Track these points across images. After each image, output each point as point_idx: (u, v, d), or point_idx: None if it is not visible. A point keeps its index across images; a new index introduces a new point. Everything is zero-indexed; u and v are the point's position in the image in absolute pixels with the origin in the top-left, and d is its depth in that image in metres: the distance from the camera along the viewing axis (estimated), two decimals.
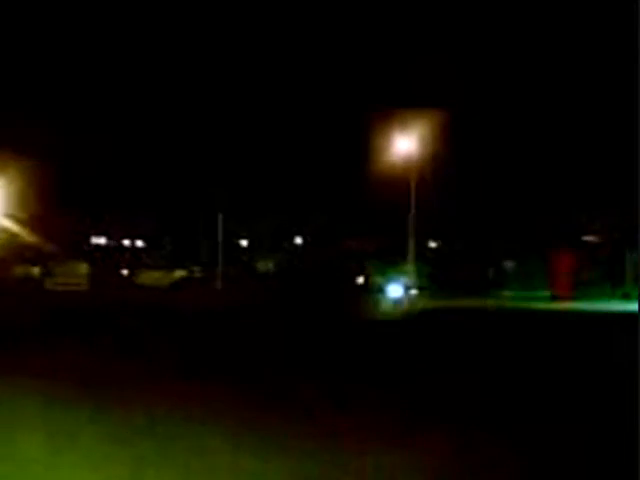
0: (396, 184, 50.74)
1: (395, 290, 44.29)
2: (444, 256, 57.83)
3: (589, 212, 55.03)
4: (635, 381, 11.01)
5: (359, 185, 56.83)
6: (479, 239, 57.52)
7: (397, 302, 40.44)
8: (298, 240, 70.76)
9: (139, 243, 75.45)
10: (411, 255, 48.81)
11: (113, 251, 71.98)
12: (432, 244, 62.44)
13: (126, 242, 74.97)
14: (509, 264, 57.13)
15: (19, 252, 65.56)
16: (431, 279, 50.36)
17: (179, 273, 64.38)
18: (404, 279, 45.85)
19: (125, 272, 68.31)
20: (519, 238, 56.97)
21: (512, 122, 54.62)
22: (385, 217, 58.48)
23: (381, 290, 44.64)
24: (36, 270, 62.65)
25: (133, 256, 73.18)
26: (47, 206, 59.38)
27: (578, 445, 8.63)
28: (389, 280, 45.10)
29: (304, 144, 60.04)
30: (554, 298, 47.71)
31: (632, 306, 39.30)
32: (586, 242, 56.51)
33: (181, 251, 67.27)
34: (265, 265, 69.53)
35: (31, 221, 61.06)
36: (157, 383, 12.26)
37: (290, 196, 62.87)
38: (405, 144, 48.91)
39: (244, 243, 71.68)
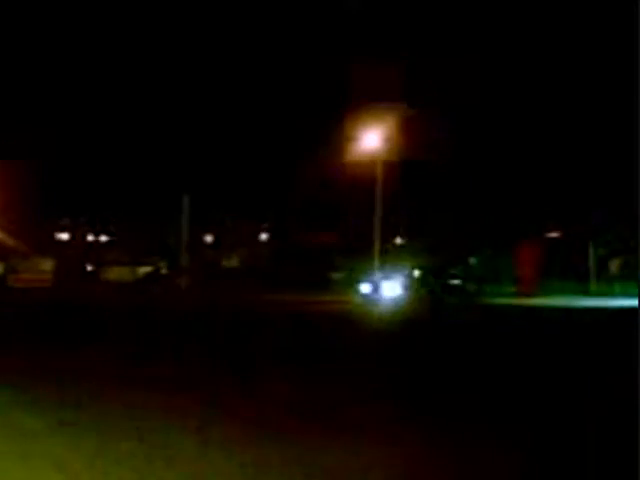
0: (363, 180, 50.90)
1: (391, 289, 43.82)
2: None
3: (552, 207, 55.18)
4: (635, 383, 10.87)
5: (325, 180, 56.75)
6: (444, 235, 57.65)
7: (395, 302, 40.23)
8: (263, 236, 70.74)
9: (103, 238, 74.84)
10: (376, 252, 49.01)
11: (78, 246, 71.30)
12: (398, 240, 62.52)
13: (90, 237, 74.36)
14: (473, 260, 57.50)
15: None
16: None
17: (145, 269, 64.07)
18: (401, 277, 45.62)
19: (90, 268, 67.83)
20: (484, 234, 57.17)
21: (476, 116, 54.43)
22: (352, 213, 58.53)
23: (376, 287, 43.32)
24: None
25: (98, 251, 72.58)
26: (9, 201, 58.58)
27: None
28: (385, 278, 44.50)
29: (270, 138, 59.70)
30: (519, 294, 48.17)
31: (594, 302, 39.79)
32: (549, 238, 56.87)
33: (146, 247, 66.77)
34: (230, 261, 69.45)
35: None
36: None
37: (255, 192, 62.58)
38: (372, 138, 49.24)
39: (209, 239, 71.39)
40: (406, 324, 26.67)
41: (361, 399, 10.79)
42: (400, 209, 56.76)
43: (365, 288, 42.60)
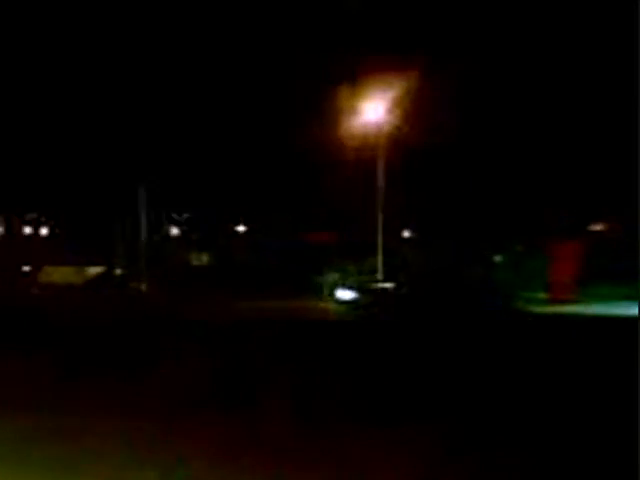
0: (360, 163, 51.14)
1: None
2: (422, 250, 58.25)
3: (596, 195, 55.50)
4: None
5: (314, 165, 56.95)
6: (463, 230, 57.88)
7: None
8: (241, 228, 70.57)
9: (44, 231, 74.68)
10: (380, 248, 49.27)
11: (11, 242, 71.44)
12: (406, 234, 62.76)
13: (27, 230, 74.24)
14: (498, 258, 57.62)
15: None
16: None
17: (95, 270, 63.91)
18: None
19: (27, 268, 67.57)
20: (512, 229, 57.43)
21: (503, 89, 54.93)
22: (347, 205, 58.61)
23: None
24: None
25: (37, 248, 72.37)
26: None
27: None
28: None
29: (246, 113, 59.78)
30: (553, 301, 48.44)
31: None
32: (592, 232, 57.10)
33: (97, 242, 66.74)
34: (199, 258, 69.50)
35: None
36: None
37: (228, 178, 62.53)
38: (371, 114, 49.54)
39: (175, 232, 71.39)
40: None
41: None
42: (408, 198, 56.87)
43: (344, 294, 42.89)
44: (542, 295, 50.25)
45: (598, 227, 57.94)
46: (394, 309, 38.22)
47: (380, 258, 49.15)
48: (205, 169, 62.71)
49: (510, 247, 57.64)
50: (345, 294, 42.35)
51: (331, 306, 42.50)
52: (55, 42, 60.53)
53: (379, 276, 47.65)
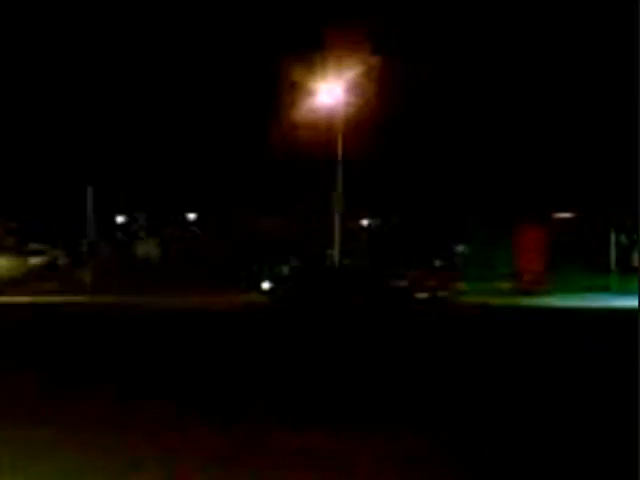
0: (318, 146, 49.59)
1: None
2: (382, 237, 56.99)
3: (561, 183, 54.65)
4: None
5: (270, 147, 55.48)
6: (422, 215, 56.77)
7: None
8: (191, 216, 68.38)
9: None
10: (337, 236, 47.69)
11: None
12: (364, 222, 61.43)
13: None
14: (461, 248, 56.58)
15: None
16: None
17: (36, 259, 61.91)
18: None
19: None
20: (473, 215, 56.30)
21: (469, 67, 54.10)
22: (304, 189, 57.25)
23: None
24: None
25: None
26: None
27: None
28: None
29: (197, 92, 58.66)
30: (521, 291, 47.15)
31: (617, 302, 38.73)
32: (560, 219, 56.02)
33: (38, 229, 64.45)
34: (146, 249, 66.95)
35: None
36: None
37: (179, 159, 60.96)
38: (330, 93, 47.75)
39: (120, 219, 68.83)
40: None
41: None
42: (367, 182, 55.37)
43: (265, 285, 42.21)
44: (508, 285, 49.17)
45: (564, 215, 56.71)
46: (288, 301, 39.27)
47: (337, 246, 47.64)
48: (156, 157, 61.47)
49: (474, 236, 56.70)
50: (265, 285, 42.09)
51: (255, 297, 42.36)
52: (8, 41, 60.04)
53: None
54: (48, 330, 25.98)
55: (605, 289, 48.18)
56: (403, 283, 38.51)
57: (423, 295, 38.23)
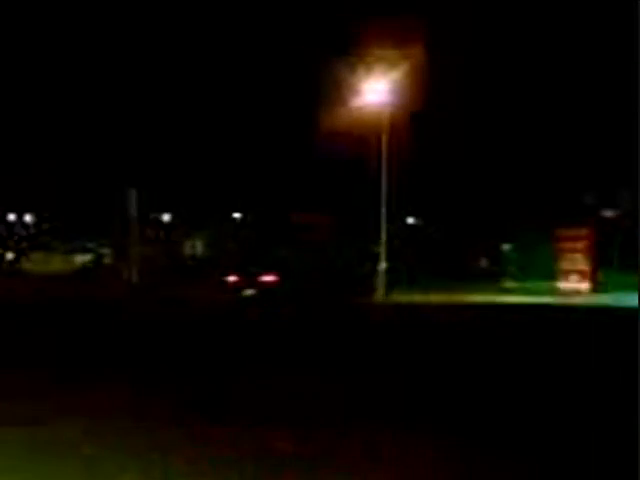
0: (361, 145, 49.47)
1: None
2: (428, 238, 56.83)
3: (607, 181, 54.43)
4: None
5: (313, 146, 55.47)
6: (469, 217, 56.53)
7: None
8: (236, 215, 68.69)
9: (28, 218, 73.39)
10: (384, 234, 47.52)
11: None
12: (410, 221, 61.34)
13: (12, 217, 72.86)
14: (507, 247, 56.23)
15: None
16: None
17: (82, 258, 62.24)
18: None
19: (10, 256, 66.14)
20: (521, 216, 56.03)
21: (515, 68, 53.92)
22: (346, 187, 57.25)
23: None
24: None
25: (21, 235, 71.21)
26: None
27: None
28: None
29: (239, 92, 58.72)
30: (565, 291, 46.78)
31: None
32: (605, 218, 55.69)
33: (83, 228, 65.03)
34: (192, 247, 67.27)
35: None
36: None
37: (224, 159, 61.08)
38: (374, 92, 47.59)
39: (166, 218, 69.29)
40: None
41: None
42: (412, 182, 55.27)
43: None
44: (552, 284, 48.86)
45: (609, 214, 56.37)
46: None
47: (384, 245, 47.44)
48: (200, 158, 61.65)
49: (519, 235, 56.34)
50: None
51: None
52: (46, 44, 60.53)
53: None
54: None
55: None
56: None
57: None
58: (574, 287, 46.88)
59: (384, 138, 46.69)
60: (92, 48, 60.74)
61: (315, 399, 13.37)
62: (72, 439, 10.50)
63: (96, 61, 60.52)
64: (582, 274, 47.94)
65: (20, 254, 65.02)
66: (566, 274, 48.68)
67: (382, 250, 47.04)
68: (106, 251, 63.43)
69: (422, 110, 51.11)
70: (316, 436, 10.66)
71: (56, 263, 60.99)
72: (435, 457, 9.65)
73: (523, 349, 20.85)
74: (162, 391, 14.24)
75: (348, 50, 50.03)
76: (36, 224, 73.29)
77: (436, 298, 40.99)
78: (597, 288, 46.47)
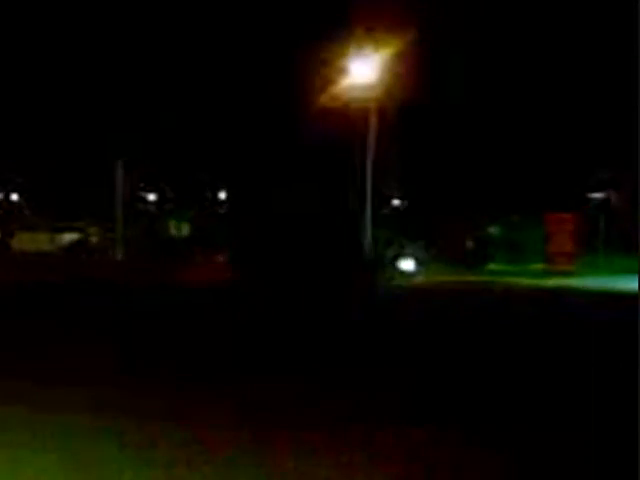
0: (347, 125, 49.40)
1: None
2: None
3: (597, 161, 54.48)
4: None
5: (296, 125, 55.40)
6: (455, 198, 56.54)
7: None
8: (222, 195, 68.58)
9: (15, 197, 73.22)
10: (368, 216, 47.36)
11: None
12: (395, 203, 61.29)
13: None
14: (494, 230, 56.28)
15: None
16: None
17: (69, 236, 62.06)
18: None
19: None
20: (507, 198, 56.13)
21: (503, 49, 53.77)
22: (331, 168, 57.14)
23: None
24: None
25: (9, 214, 70.91)
26: None
27: None
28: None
29: (226, 71, 58.34)
30: (550, 272, 47.07)
31: None
32: (593, 200, 55.82)
33: (70, 208, 64.91)
34: (177, 227, 67.02)
35: None
36: None
37: (209, 138, 60.87)
38: (361, 72, 47.36)
39: (152, 197, 69.16)
40: None
41: None
42: (398, 163, 55.27)
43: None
44: (540, 267, 49.12)
45: (598, 195, 56.49)
46: None
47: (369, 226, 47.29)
48: (187, 137, 61.40)
49: (506, 217, 56.44)
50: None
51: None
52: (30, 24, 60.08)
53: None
54: None
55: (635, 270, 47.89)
56: None
57: None
58: (558, 270, 47.30)
59: (372, 115, 46.62)
60: (71, 25, 60.20)
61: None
62: None
63: (79, 37, 59.96)
64: (566, 257, 48.32)
65: (7, 233, 64.81)
66: (552, 257, 49.13)
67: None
68: (93, 230, 63.18)
69: (411, 93, 50.83)
70: None
71: (42, 242, 60.84)
72: None
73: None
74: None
75: (337, 29, 49.75)
76: (21, 203, 73.15)
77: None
78: (577, 271, 46.76)
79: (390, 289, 35.87)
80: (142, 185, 67.54)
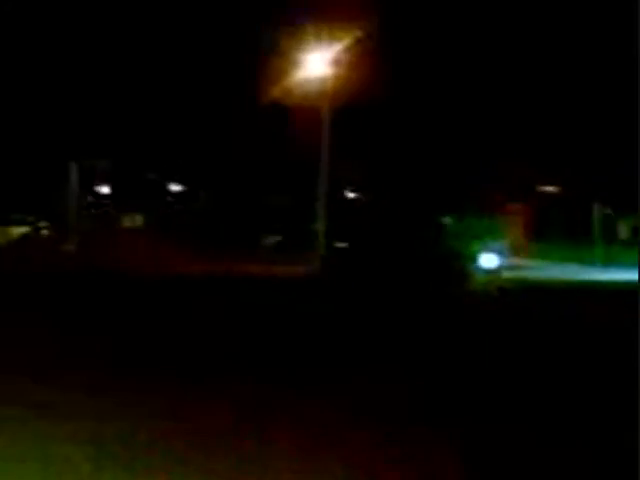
0: (304, 119, 49.24)
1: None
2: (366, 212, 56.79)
3: (548, 154, 54.62)
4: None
5: (251, 120, 55.22)
6: (408, 189, 56.61)
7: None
8: (176, 187, 68.34)
9: None
10: (322, 211, 47.18)
11: None
12: (350, 195, 61.30)
13: None
14: (446, 221, 56.41)
15: None
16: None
17: (19, 230, 61.56)
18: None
19: None
20: (459, 190, 56.34)
21: (457, 38, 53.65)
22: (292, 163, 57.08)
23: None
24: None
25: None
26: None
27: None
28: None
29: (182, 61, 58.00)
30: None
31: (603, 275, 39.11)
32: (545, 193, 56.15)
33: (20, 200, 64.28)
34: (132, 220, 66.90)
35: None
36: None
37: (161, 132, 60.53)
38: (316, 65, 47.18)
39: (106, 190, 68.79)
40: None
41: None
42: (352, 156, 55.22)
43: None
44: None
45: (548, 189, 56.92)
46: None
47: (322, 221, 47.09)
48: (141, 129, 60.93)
49: (460, 209, 56.61)
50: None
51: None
52: None
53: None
54: None
55: (590, 261, 48.52)
56: None
57: None
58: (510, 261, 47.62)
59: (325, 107, 46.41)
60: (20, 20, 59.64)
61: None
62: None
63: (29, 32, 59.40)
64: (517, 248, 48.74)
65: None
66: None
67: (320, 227, 46.68)
68: (44, 224, 62.70)
69: (366, 82, 50.68)
70: None
71: None
72: None
73: None
74: None
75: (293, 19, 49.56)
76: None
77: None
78: (526, 262, 47.12)
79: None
80: (96, 181, 67.00)
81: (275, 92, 51.07)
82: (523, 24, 53.12)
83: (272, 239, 55.58)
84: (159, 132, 61.02)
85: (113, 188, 69.15)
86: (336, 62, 46.97)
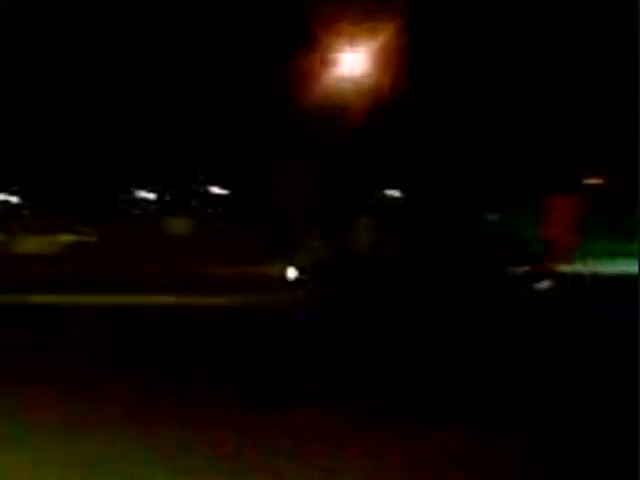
0: (338, 116, 49.09)
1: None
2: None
3: (593, 147, 54.01)
4: None
5: (287, 119, 55.06)
6: (451, 186, 56.02)
7: None
8: (216, 190, 68.18)
9: (14, 199, 73.34)
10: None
11: None
12: (394, 194, 60.72)
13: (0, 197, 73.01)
14: (492, 217, 55.76)
15: None
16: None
17: (66, 237, 61.68)
18: None
19: (1, 238, 65.80)
20: (504, 184, 55.73)
21: (496, 32, 53.37)
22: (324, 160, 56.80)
23: None
24: None
25: (11, 216, 70.72)
26: None
27: None
28: None
29: (212, 63, 58.12)
30: (552, 260, 46.61)
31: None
32: (589, 186, 55.31)
33: (63, 207, 64.74)
34: (181, 225, 66.45)
35: None
36: None
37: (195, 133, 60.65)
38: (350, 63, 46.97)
39: (151, 197, 69.04)
40: None
41: None
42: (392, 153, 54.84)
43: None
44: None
45: (594, 181, 56.00)
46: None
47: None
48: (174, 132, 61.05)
49: (506, 205, 55.92)
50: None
51: None
52: None
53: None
54: None
55: (630, 254, 47.62)
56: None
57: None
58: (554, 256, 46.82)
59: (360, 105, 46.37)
60: None
61: None
62: None
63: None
64: (564, 243, 47.92)
65: (9, 236, 64.60)
66: (550, 244, 48.69)
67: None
68: (84, 229, 62.88)
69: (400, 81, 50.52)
70: None
71: (42, 243, 60.74)
72: None
73: None
74: None
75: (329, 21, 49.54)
76: (23, 205, 73.16)
77: None
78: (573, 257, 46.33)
79: None
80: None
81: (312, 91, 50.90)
82: (562, 20, 52.90)
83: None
84: (199, 135, 61.16)
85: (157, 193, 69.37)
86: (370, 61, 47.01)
